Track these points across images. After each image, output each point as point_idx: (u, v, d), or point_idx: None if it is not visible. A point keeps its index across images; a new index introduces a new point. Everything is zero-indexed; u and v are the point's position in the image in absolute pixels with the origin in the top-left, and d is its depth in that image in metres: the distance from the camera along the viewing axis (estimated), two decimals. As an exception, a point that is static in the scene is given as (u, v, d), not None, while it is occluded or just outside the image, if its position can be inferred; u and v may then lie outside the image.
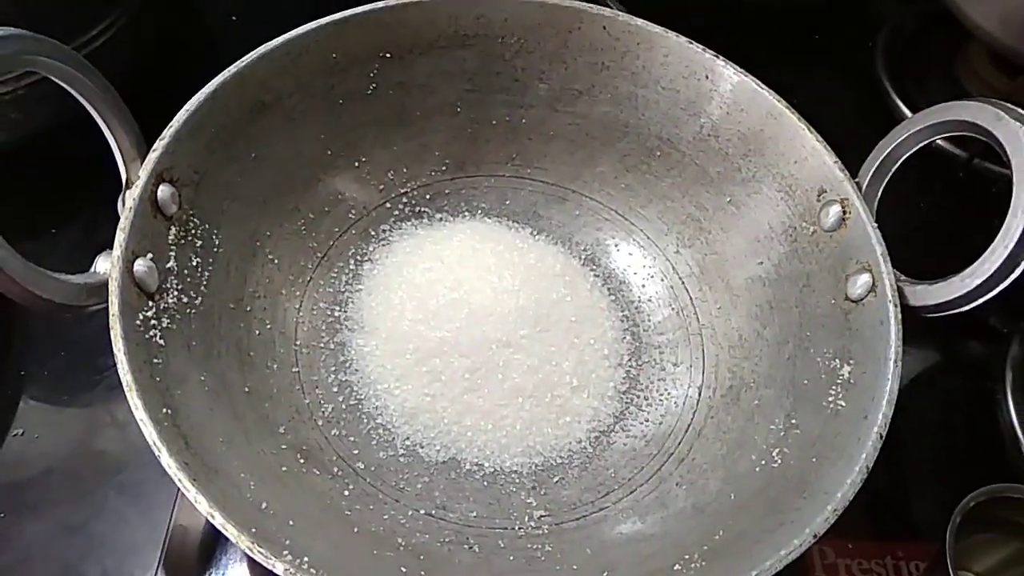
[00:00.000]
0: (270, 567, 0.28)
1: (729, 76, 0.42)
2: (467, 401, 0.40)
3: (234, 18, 0.62)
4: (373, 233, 0.45)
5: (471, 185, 0.48)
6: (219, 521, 0.28)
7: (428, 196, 0.47)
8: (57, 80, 0.33)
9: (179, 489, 0.38)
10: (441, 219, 0.47)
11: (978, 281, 0.34)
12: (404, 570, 0.32)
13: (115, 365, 0.43)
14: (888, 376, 0.34)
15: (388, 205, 0.46)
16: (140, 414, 0.30)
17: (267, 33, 0.41)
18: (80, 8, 0.48)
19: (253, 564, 0.38)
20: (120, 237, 0.33)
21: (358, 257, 0.45)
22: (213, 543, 0.39)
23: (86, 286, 0.33)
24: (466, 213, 0.47)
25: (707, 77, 0.43)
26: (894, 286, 0.36)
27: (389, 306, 0.42)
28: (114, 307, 0.31)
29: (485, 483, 0.38)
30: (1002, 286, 0.34)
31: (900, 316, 0.35)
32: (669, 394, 0.42)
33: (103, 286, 0.32)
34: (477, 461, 0.39)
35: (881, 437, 0.32)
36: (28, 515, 0.39)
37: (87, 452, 0.42)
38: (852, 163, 0.40)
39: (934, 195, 0.55)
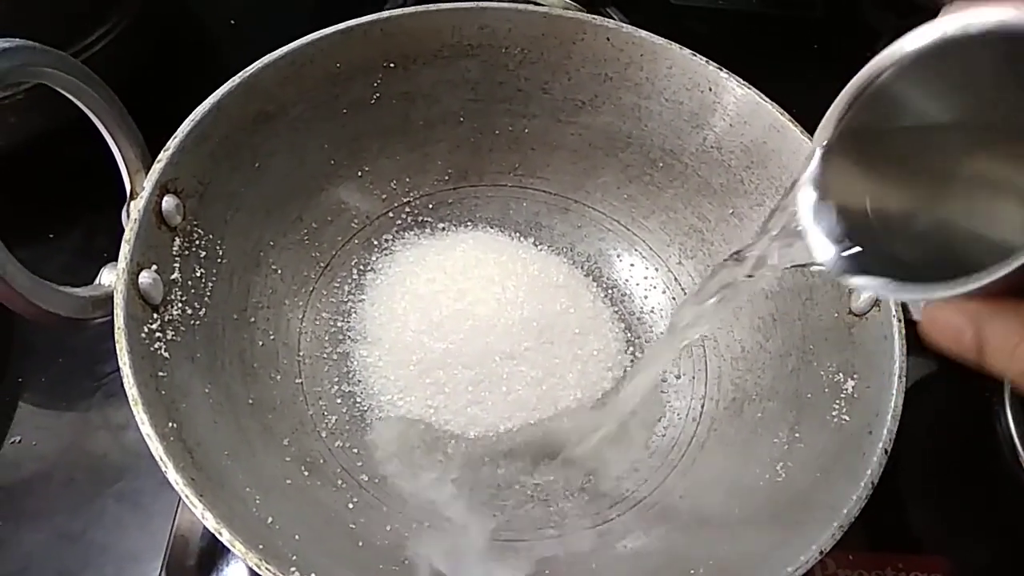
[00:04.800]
0: (278, 584, 0.28)
1: (733, 89, 0.42)
2: (471, 413, 0.40)
3: (232, 22, 0.61)
4: (376, 243, 0.45)
5: (474, 195, 0.48)
6: (227, 538, 0.28)
7: (431, 206, 0.47)
8: (63, 91, 0.33)
9: (180, 498, 0.39)
10: (444, 229, 0.47)
11: (982, 297, 0.34)
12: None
13: (112, 372, 0.44)
14: (892, 391, 0.34)
15: (391, 215, 0.46)
16: (146, 429, 0.29)
17: (266, 38, 0.40)
18: (77, 14, 0.47)
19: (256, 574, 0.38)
20: (125, 249, 0.33)
21: (361, 267, 0.45)
22: (214, 552, 0.39)
23: (91, 299, 0.32)
24: (469, 223, 0.47)
25: (711, 89, 0.43)
26: (898, 301, 0.36)
27: (392, 316, 0.42)
28: (119, 320, 0.31)
29: (490, 497, 0.38)
30: (1005, 302, 0.34)
31: (904, 331, 0.35)
32: (672, 406, 0.42)
33: (108, 299, 0.32)
34: (482, 473, 0.39)
35: (886, 453, 0.32)
36: (26, 523, 0.39)
37: (85, 459, 0.41)
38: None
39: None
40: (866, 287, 0.23)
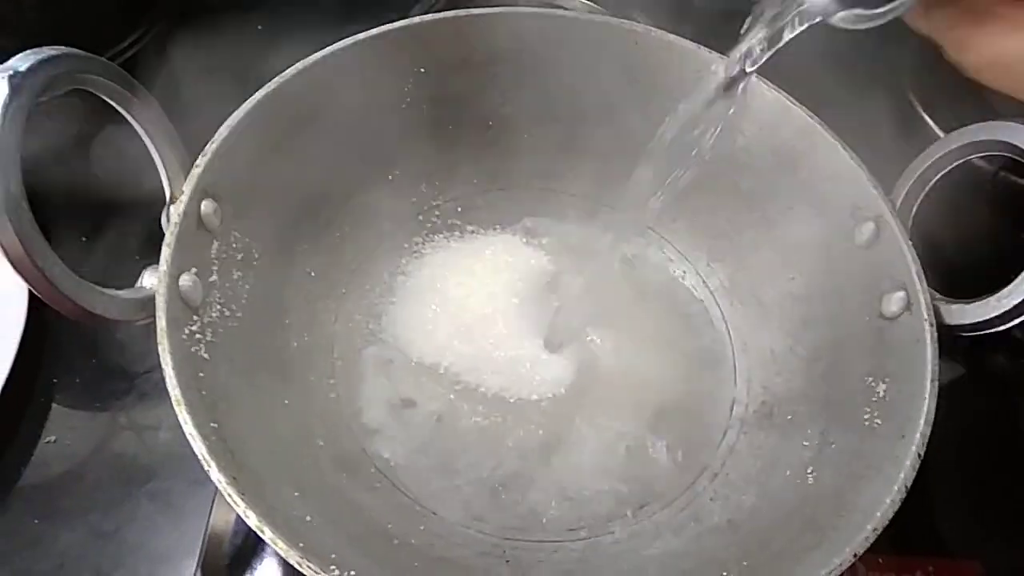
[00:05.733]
0: (319, 581, 0.28)
1: (763, 92, 0.42)
2: (503, 417, 0.40)
3: (260, 27, 0.62)
4: (406, 246, 0.46)
5: (503, 199, 0.48)
6: (269, 536, 0.28)
7: (460, 209, 0.47)
8: (105, 98, 0.33)
9: (213, 498, 0.39)
10: (473, 232, 0.47)
11: (1015, 301, 0.34)
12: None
13: (145, 373, 0.44)
14: (925, 395, 0.34)
15: (420, 218, 0.47)
16: (189, 428, 0.30)
17: (296, 45, 0.41)
18: (109, 20, 0.48)
19: (289, 572, 0.38)
20: (166, 252, 0.33)
21: (391, 270, 0.45)
22: (248, 551, 0.39)
23: (133, 301, 0.33)
24: (497, 227, 0.47)
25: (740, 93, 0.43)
26: (930, 305, 0.36)
27: (423, 320, 0.43)
28: (162, 322, 0.32)
29: (521, 497, 0.39)
30: (1039, 306, 0.34)
31: (936, 335, 0.35)
32: (700, 409, 0.42)
33: (150, 301, 0.33)
34: (513, 475, 0.39)
35: (920, 457, 0.32)
36: (61, 522, 0.40)
37: (118, 459, 0.42)
38: (879, 179, 0.40)
39: (960, 209, 0.55)
40: (846, 18, 0.30)
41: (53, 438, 0.42)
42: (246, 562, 0.39)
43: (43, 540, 0.39)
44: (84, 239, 0.49)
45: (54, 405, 0.43)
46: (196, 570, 0.38)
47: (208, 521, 0.39)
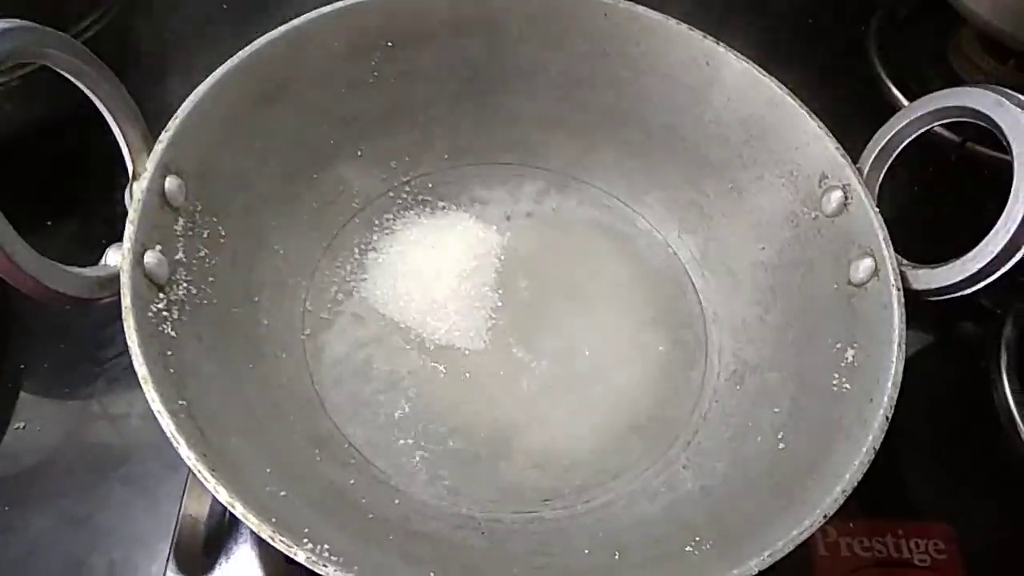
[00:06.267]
0: (292, 555, 0.28)
1: (731, 63, 0.42)
2: (475, 390, 0.40)
3: (225, 6, 0.61)
4: (377, 222, 0.45)
5: (474, 174, 0.48)
6: (240, 511, 0.28)
7: (431, 185, 0.47)
8: (64, 72, 0.33)
9: (187, 480, 0.39)
10: (444, 208, 0.47)
11: (980, 265, 0.35)
12: (419, 556, 0.33)
13: (115, 357, 0.43)
14: (892, 359, 0.34)
15: (391, 194, 0.46)
16: (157, 406, 0.29)
17: (263, 19, 0.40)
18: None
19: (264, 553, 0.38)
20: (130, 229, 0.33)
21: (362, 246, 0.45)
22: (222, 534, 0.39)
23: (97, 279, 0.32)
24: (469, 202, 0.47)
25: (708, 64, 0.43)
26: (896, 270, 0.36)
27: (395, 296, 0.43)
28: (126, 299, 0.31)
29: (496, 469, 0.39)
30: (1003, 269, 0.35)
31: (903, 300, 0.36)
32: (673, 378, 0.43)
33: (114, 279, 0.32)
34: (487, 447, 0.39)
35: (887, 419, 0.33)
36: (32, 508, 0.39)
37: (90, 444, 0.41)
38: (846, 148, 0.40)
39: (926, 179, 0.56)
40: None
41: (22, 424, 0.42)
42: (220, 545, 0.38)
43: (14, 527, 0.39)
44: (49, 223, 0.48)
45: (22, 392, 0.43)
46: (170, 552, 0.38)
47: (181, 504, 0.39)
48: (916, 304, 0.37)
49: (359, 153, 0.45)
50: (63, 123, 0.47)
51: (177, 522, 0.38)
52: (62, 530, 0.39)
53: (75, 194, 0.49)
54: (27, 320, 0.45)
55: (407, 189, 0.47)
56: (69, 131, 0.47)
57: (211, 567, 0.37)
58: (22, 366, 0.43)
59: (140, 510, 0.39)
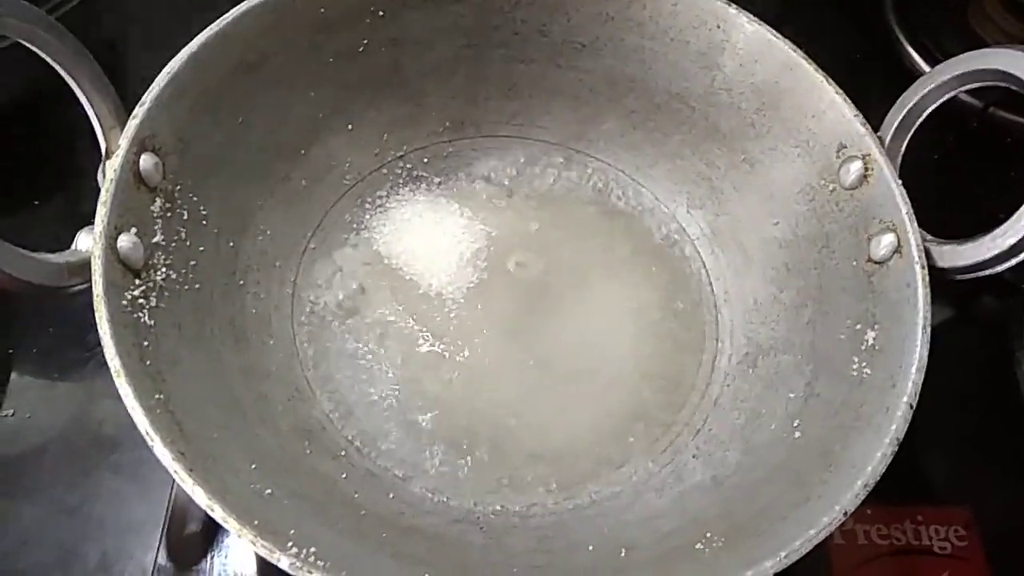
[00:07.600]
0: (275, 561, 0.26)
1: (743, 25, 0.40)
2: (474, 376, 0.39)
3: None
4: (369, 200, 0.44)
5: (471, 147, 0.46)
6: (219, 515, 0.27)
7: (426, 160, 0.45)
8: (27, 43, 0.31)
9: (175, 471, 0.38)
10: (440, 184, 0.45)
11: (1013, 240, 0.33)
12: (414, 555, 0.31)
13: (104, 344, 0.42)
14: (917, 342, 0.32)
15: (384, 170, 0.45)
16: (130, 401, 0.28)
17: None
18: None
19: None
20: (101, 211, 0.31)
21: (354, 226, 0.43)
22: (214, 522, 0.38)
23: (67, 265, 0.31)
24: (467, 177, 0.45)
25: (719, 27, 0.41)
26: (921, 247, 0.34)
27: (389, 276, 0.41)
28: (98, 287, 0.30)
29: (495, 458, 0.37)
30: (1037, 245, 0.33)
31: (928, 279, 0.34)
32: (682, 361, 0.41)
33: (86, 264, 0.30)
34: (487, 438, 0.38)
35: (911, 407, 0.31)
36: (23, 497, 0.39)
37: (81, 431, 0.41)
38: (865, 116, 0.38)
39: (947, 147, 0.54)
40: None
41: (11, 411, 0.41)
42: (213, 532, 0.38)
43: (5, 517, 0.38)
44: (36, 203, 0.47)
45: (12, 377, 0.42)
46: (161, 540, 0.37)
47: (171, 491, 0.38)
48: (940, 280, 0.36)
49: (349, 127, 0.43)
50: (45, 99, 0.46)
51: (167, 511, 0.38)
52: (54, 519, 0.38)
53: (61, 172, 0.48)
54: (14, 306, 0.44)
55: (401, 165, 0.45)
56: (52, 107, 0.46)
57: (203, 555, 0.37)
58: (10, 352, 0.43)
59: (132, 498, 0.39)
